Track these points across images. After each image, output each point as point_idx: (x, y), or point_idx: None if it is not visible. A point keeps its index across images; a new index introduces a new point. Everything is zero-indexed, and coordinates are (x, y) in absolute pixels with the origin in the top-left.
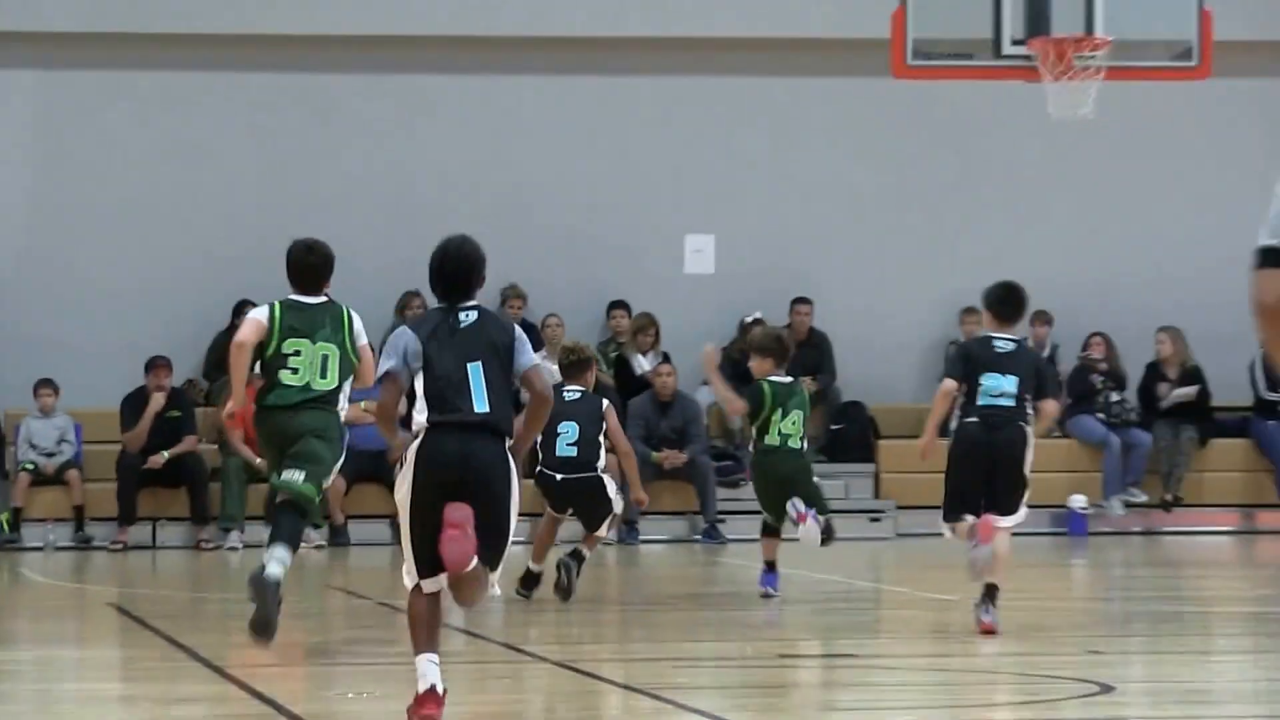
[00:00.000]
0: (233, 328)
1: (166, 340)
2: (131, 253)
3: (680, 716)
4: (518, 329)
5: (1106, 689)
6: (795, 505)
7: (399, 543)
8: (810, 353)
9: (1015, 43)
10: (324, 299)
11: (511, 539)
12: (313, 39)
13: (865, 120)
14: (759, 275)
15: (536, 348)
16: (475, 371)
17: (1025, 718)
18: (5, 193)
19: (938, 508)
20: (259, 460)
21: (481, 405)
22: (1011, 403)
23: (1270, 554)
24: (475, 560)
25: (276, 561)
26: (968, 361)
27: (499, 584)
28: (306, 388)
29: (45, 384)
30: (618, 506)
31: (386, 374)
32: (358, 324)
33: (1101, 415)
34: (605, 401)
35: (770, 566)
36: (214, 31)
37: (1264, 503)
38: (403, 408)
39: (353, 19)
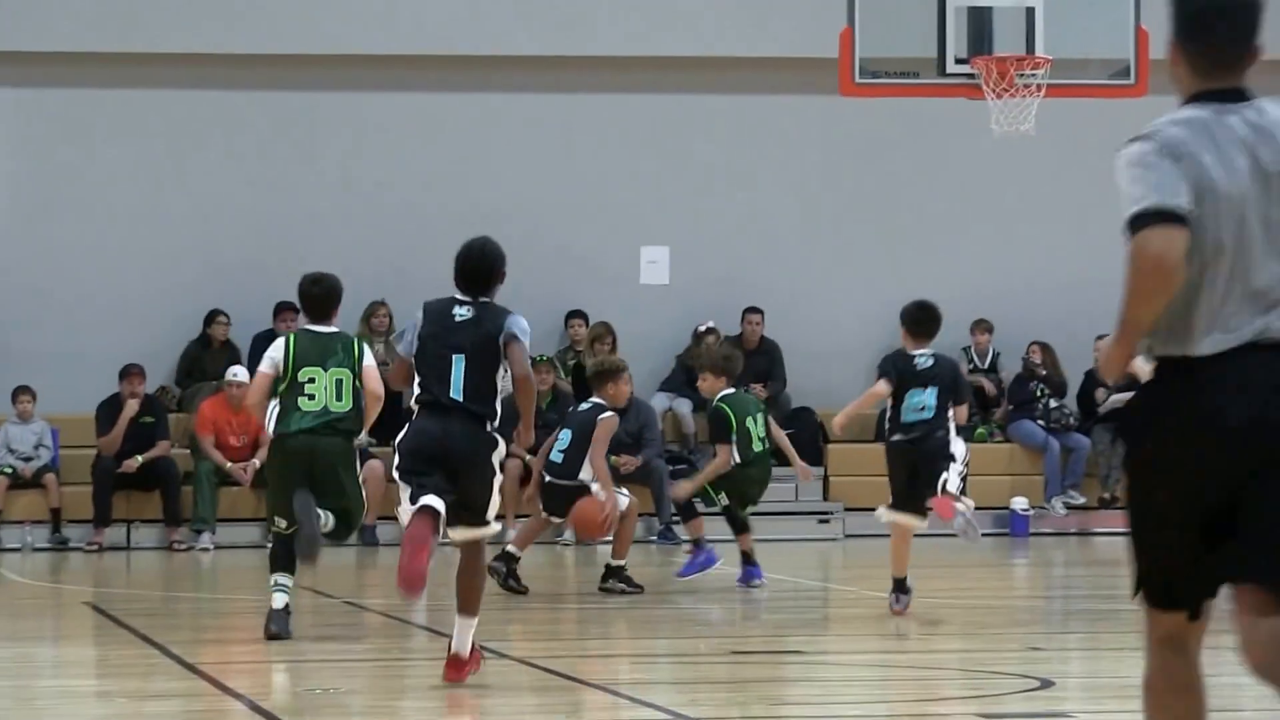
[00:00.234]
0: (204, 336)
1: (140, 348)
2: (107, 265)
3: (635, 712)
4: (510, 317)
5: (1046, 684)
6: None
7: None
8: (761, 360)
9: (959, 62)
10: (335, 329)
11: (495, 507)
12: (284, 58)
13: (814, 137)
14: (712, 286)
15: None
16: (458, 362)
17: (968, 712)
18: None
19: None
20: (229, 465)
21: (456, 393)
22: (931, 415)
23: None
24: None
25: (281, 590)
26: (897, 373)
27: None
28: (325, 411)
29: (23, 390)
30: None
31: (401, 359)
32: (368, 356)
33: (1041, 421)
34: (604, 414)
35: (749, 558)
36: (188, 50)
37: None
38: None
39: (323, 39)
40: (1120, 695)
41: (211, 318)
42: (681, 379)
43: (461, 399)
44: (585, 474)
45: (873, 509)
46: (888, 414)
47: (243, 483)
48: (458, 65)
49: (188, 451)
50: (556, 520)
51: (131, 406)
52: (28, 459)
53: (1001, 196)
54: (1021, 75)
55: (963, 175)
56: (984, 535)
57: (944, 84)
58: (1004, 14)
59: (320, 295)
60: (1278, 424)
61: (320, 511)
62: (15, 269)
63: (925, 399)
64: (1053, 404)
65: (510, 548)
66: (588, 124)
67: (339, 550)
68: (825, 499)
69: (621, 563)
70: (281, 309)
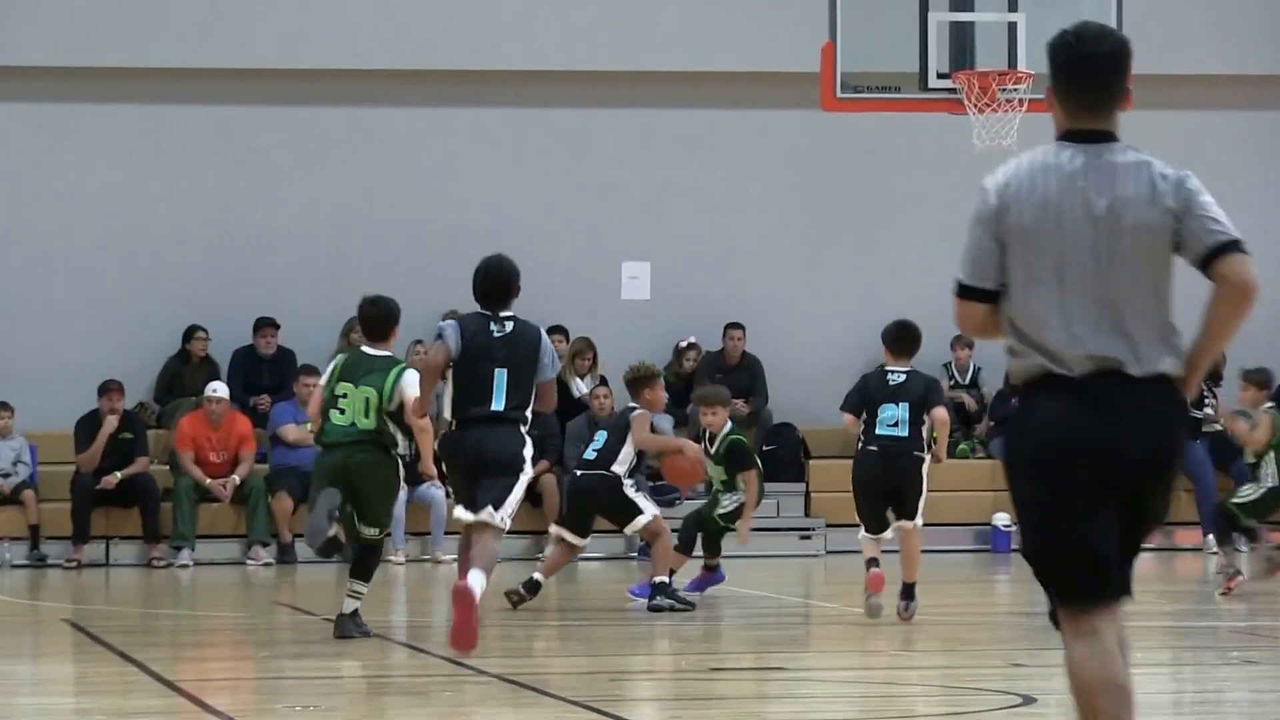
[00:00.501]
0: (184, 352)
1: (119, 365)
2: (85, 280)
3: None
4: (544, 342)
5: (1028, 700)
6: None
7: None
8: (743, 376)
9: (941, 76)
10: (386, 352)
11: (519, 497)
12: (262, 74)
13: (795, 151)
14: (693, 301)
15: None
16: (500, 377)
17: None
18: None
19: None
20: (209, 481)
21: (499, 404)
22: (905, 431)
23: (1188, 570)
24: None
25: (355, 597)
26: (865, 394)
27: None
28: (351, 426)
29: (1, 406)
30: (648, 513)
31: (443, 343)
32: (406, 376)
33: None
34: (635, 411)
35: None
36: (166, 66)
37: (1182, 520)
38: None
39: (300, 56)
40: None
41: (190, 333)
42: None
43: (503, 409)
44: (619, 467)
45: (854, 525)
46: (863, 430)
47: (222, 499)
48: (436, 81)
49: (167, 468)
50: (579, 541)
51: (111, 422)
52: (6, 475)
53: None
54: (1003, 90)
55: (945, 190)
56: (966, 551)
57: (926, 99)
58: (986, 29)
59: (377, 317)
60: (1105, 447)
61: (335, 513)
62: None
63: (897, 414)
64: None
65: (537, 575)
66: (568, 139)
67: (319, 567)
68: (807, 515)
69: (666, 579)
70: (261, 325)
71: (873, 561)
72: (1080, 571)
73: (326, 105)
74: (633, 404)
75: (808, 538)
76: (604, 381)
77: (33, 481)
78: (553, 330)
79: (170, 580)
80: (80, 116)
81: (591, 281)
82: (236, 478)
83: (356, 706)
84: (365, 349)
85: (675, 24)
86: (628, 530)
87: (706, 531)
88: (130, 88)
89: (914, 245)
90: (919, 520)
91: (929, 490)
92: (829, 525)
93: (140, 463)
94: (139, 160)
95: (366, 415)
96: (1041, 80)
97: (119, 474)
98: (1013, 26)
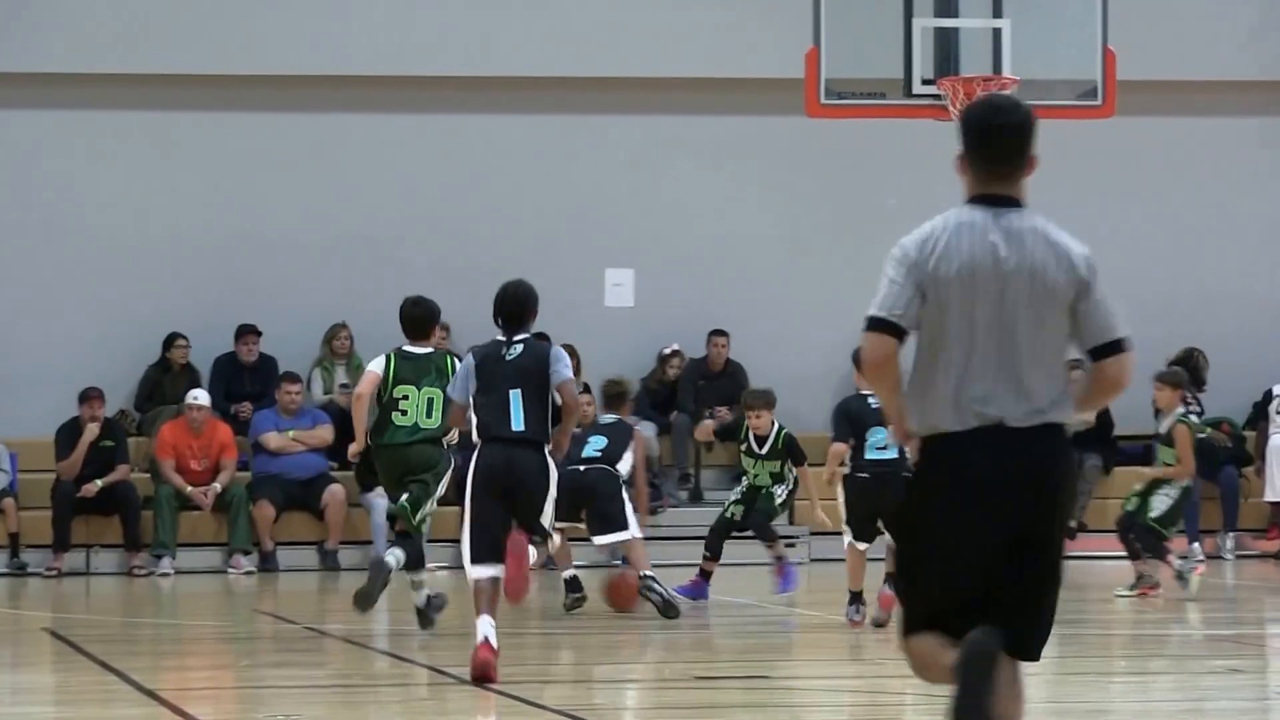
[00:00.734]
0: (164, 360)
1: (100, 372)
2: (67, 288)
3: None
4: (554, 350)
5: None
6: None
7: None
8: (726, 383)
9: (926, 83)
10: (430, 349)
11: (551, 522)
12: (242, 80)
13: (780, 158)
14: (677, 308)
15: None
16: (515, 397)
17: None
18: None
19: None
20: (190, 489)
21: (518, 425)
22: (894, 453)
23: (1170, 579)
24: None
25: (393, 556)
26: (850, 420)
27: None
28: (415, 428)
29: None
30: (630, 532)
31: (455, 404)
32: (462, 366)
33: None
34: (638, 425)
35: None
36: (144, 72)
37: None
38: None
39: (283, 61)
40: None
41: (170, 341)
42: (646, 402)
43: (524, 429)
44: (622, 466)
45: (839, 534)
46: (851, 453)
47: (203, 507)
48: (419, 88)
49: (148, 476)
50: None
51: (91, 430)
52: None
53: None
54: None
55: (929, 197)
56: None
57: (911, 105)
58: (971, 35)
59: (421, 316)
60: (1007, 490)
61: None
62: None
63: (885, 438)
64: None
65: (566, 574)
66: (552, 146)
67: (301, 575)
68: (791, 523)
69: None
70: (243, 332)
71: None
72: (961, 609)
73: (307, 112)
74: (618, 416)
75: (792, 545)
76: (587, 389)
77: (13, 489)
78: (537, 337)
79: (151, 589)
80: (60, 124)
81: (575, 288)
82: (218, 485)
83: (337, 715)
84: (410, 349)
85: (659, 30)
86: (601, 539)
87: (756, 525)
88: (110, 95)
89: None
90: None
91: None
92: (813, 534)
93: (121, 470)
94: (119, 168)
95: (429, 415)
96: (1027, 87)
97: (99, 482)
98: (998, 32)
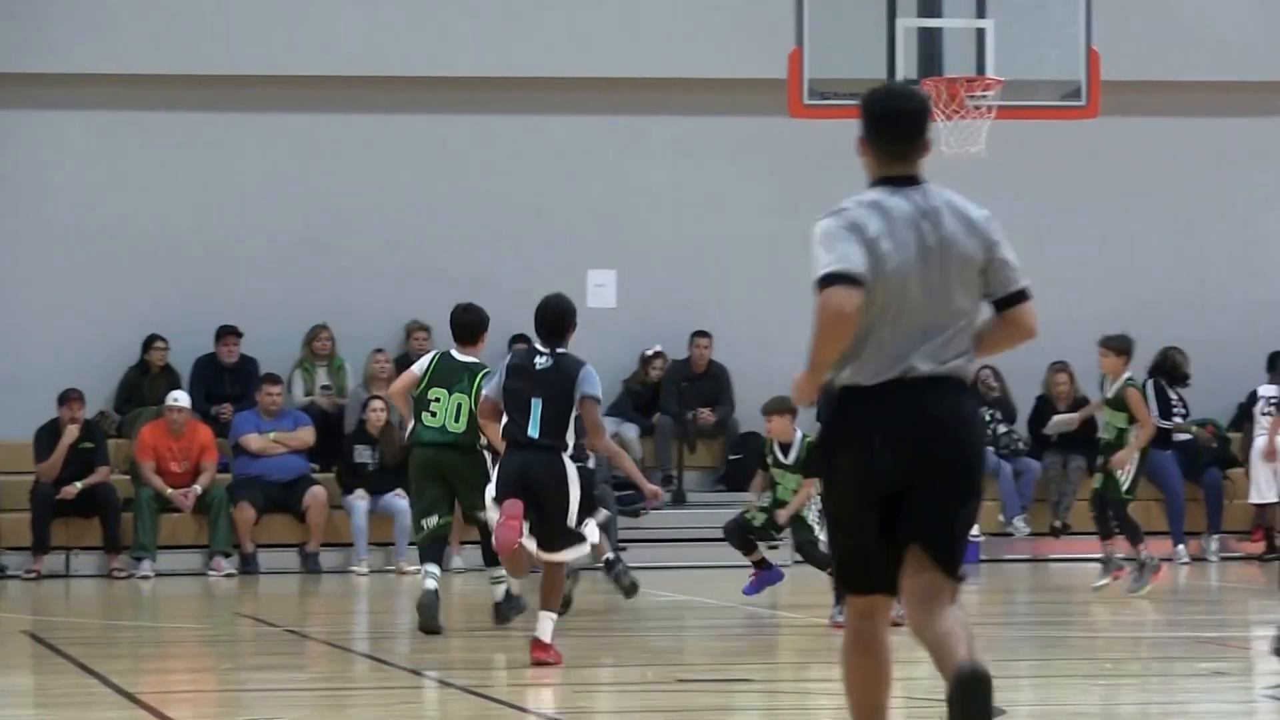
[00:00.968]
0: (143, 363)
1: (79, 373)
2: (46, 289)
3: None
4: (585, 371)
5: (997, 712)
6: None
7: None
8: (709, 384)
9: (909, 83)
10: (474, 358)
11: (575, 524)
12: (219, 80)
13: (763, 159)
14: (660, 309)
15: None
16: (536, 405)
17: None
18: None
19: None
20: (170, 491)
21: (534, 431)
22: None
23: (1157, 580)
24: (520, 542)
25: (501, 583)
26: None
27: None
28: (442, 429)
29: None
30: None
31: (487, 397)
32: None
33: (990, 446)
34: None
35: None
36: (122, 72)
37: (1152, 530)
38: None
39: (260, 61)
40: None
41: (149, 343)
42: (628, 404)
43: (538, 435)
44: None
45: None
46: None
47: (183, 509)
48: (399, 87)
49: (128, 477)
50: None
51: (71, 432)
52: None
53: None
54: (972, 97)
55: None
56: None
57: None
58: (954, 35)
59: (470, 323)
60: (922, 437)
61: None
62: None
63: None
64: (1000, 429)
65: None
66: (536, 145)
67: (281, 578)
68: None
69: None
70: (223, 333)
71: None
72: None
73: (288, 112)
74: None
75: (775, 547)
76: None
77: None
78: (517, 338)
79: (131, 591)
80: (38, 123)
81: (556, 289)
82: (198, 487)
83: (318, 718)
84: (455, 354)
85: (641, 30)
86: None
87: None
88: (89, 94)
89: None
90: None
91: None
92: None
93: (101, 472)
94: (98, 167)
95: (457, 420)
96: (1011, 87)
97: (79, 484)
98: (981, 33)
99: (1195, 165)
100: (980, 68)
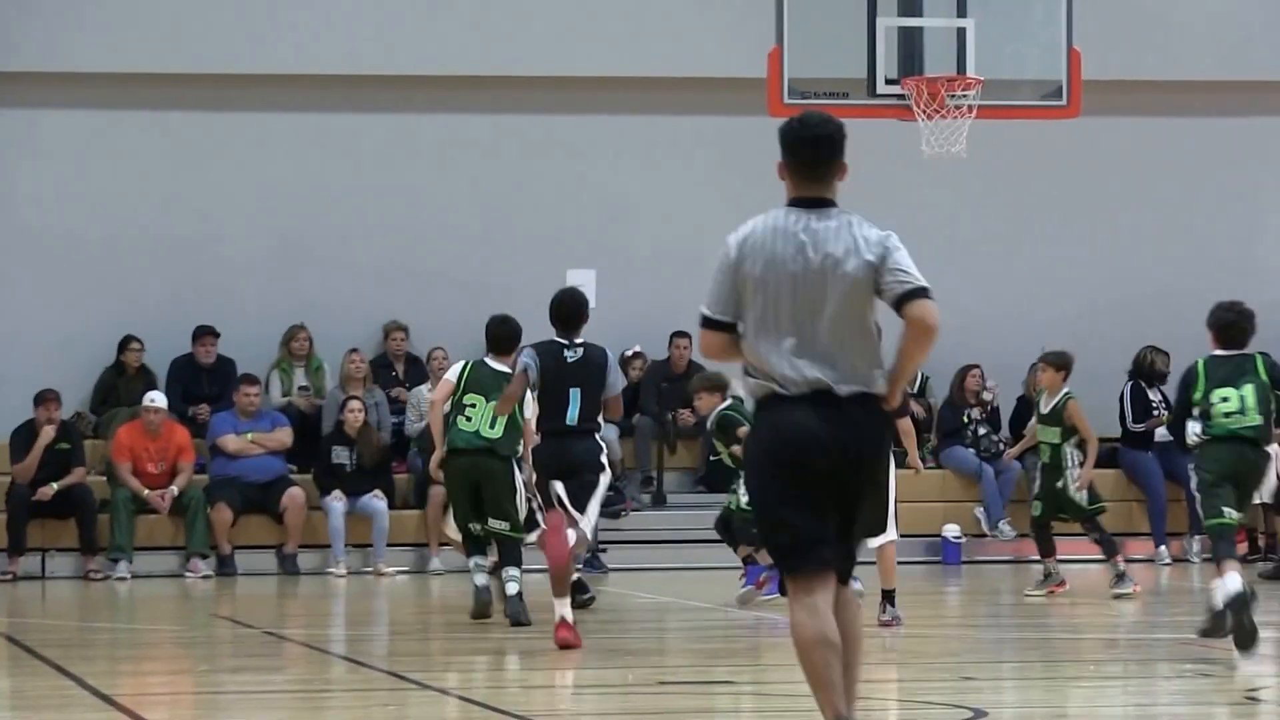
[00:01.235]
0: (118, 364)
1: (55, 374)
2: (22, 289)
3: None
4: (612, 361)
5: (980, 714)
6: None
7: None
8: (688, 385)
9: (889, 82)
10: (507, 368)
11: (601, 497)
12: (196, 79)
13: (742, 158)
14: (639, 310)
15: (421, 379)
16: (575, 395)
17: None
18: None
19: None
20: (147, 492)
21: (573, 419)
22: None
23: (1141, 581)
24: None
25: (513, 581)
26: None
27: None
28: (476, 434)
29: None
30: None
31: (524, 372)
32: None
33: (972, 448)
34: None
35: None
36: (98, 70)
37: (1133, 531)
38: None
39: (234, 59)
40: None
41: (124, 344)
42: None
43: (577, 423)
44: None
45: None
46: None
47: (160, 510)
48: (380, 87)
49: (104, 479)
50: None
51: (47, 433)
52: None
53: (929, 221)
54: (952, 96)
55: (892, 198)
56: (916, 563)
57: (874, 105)
58: (935, 35)
59: (506, 335)
60: (821, 441)
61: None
62: None
63: None
64: (981, 431)
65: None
66: (512, 144)
67: (259, 579)
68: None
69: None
70: (201, 334)
71: None
72: (797, 543)
73: (266, 111)
74: None
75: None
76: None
77: None
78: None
79: (108, 593)
80: (11, 123)
81: (536, 289)
82: (175, 488)
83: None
84: (489, 362)
85: (621, 29)
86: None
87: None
88: (64, 94)
89: None
90: (894, 532)
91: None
92: None
93: (77, 473)
94: (74, 167)
95: (492, 427)
96: (991, 87)
97: (55, 485)
98: (962, 32)
99: (1176, 165)
100: (961, 67)
